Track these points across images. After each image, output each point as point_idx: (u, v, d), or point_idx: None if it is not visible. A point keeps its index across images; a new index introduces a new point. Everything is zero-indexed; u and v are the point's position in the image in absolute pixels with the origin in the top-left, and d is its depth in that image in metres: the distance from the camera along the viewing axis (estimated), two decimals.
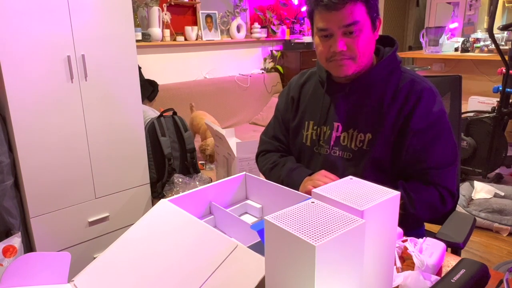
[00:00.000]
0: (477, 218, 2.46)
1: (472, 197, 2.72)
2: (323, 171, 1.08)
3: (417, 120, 1.05)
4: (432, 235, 1.15)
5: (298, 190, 1.13)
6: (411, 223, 1.07)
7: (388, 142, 1.08)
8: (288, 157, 1.28)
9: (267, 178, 1.28)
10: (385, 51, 1.13)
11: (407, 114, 1.06)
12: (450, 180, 1.09)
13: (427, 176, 1.07)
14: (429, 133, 1.06)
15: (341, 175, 0.70)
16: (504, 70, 2.85)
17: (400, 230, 0.84)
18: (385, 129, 1.08)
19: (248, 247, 0.69)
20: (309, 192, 1.04)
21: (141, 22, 3.08)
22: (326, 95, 1.19)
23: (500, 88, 2.89)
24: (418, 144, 1.06)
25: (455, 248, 1.09)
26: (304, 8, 4.27)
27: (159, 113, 2.39)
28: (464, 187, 2.79)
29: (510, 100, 2.93)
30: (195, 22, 3.46)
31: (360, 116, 1.12)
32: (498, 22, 4.23)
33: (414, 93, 1.07)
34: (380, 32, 1.12)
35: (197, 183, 2.23)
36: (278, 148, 1.31)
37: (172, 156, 2.31)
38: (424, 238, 0.84)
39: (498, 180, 3.05)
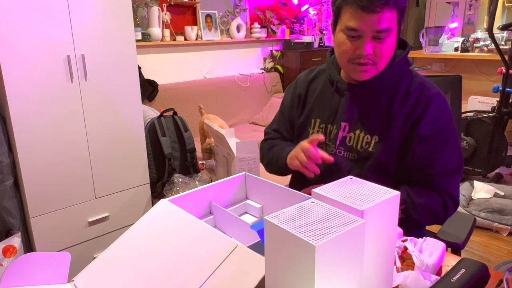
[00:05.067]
0: (477, 218, 2.46)
1: (472, 197, 2.72)
2: (302, 142, 1.09)
3: (425, 126, 1.04)
4: (432, 235, 1.16)
5: (285, 162, 1.17)
6: (413, 228, 1.07)
7: (395, 146, 1.07)
8: (287, 141, 1.31)
9: (265, 160, 1.33)
10: (396, 54, 1.12)
11: (416, 120, 1.05)
12: (454, 187, 1.08)
13: (432, 182, 1.06)
14: (436, 139, 1.05)
15: (345, 176, 0.70)
16: (504, 70, 2.85)
17: (400, 230, 0.84)
18: (392, 132, 1.07)
19: (248, 247, 0.69)
20: (293, 161, 1.10)
21: (141, 22, 3.08)
22: (336, 94, 1.17)
23: (500, 88, 2.89)
24: (425, 150, 1.05)
25: (455, 248, 1.10)
26: (304, 8, 4.27)
27: (159, 113, 2.39)
28: (464, 187, 2.79)
29: (510, 100, 2.93)
30: (195, 22, 3.46)
31: (368, 118, 1.11)
32: (498, 22, 4.22)
33: (424, 99, 1.06)
34: None
35: (197, 183, 2.23)
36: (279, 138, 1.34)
37: (172, 156, 2.31)
38: (424, 238, 0.84)
39: (498, 180, 3.05)
